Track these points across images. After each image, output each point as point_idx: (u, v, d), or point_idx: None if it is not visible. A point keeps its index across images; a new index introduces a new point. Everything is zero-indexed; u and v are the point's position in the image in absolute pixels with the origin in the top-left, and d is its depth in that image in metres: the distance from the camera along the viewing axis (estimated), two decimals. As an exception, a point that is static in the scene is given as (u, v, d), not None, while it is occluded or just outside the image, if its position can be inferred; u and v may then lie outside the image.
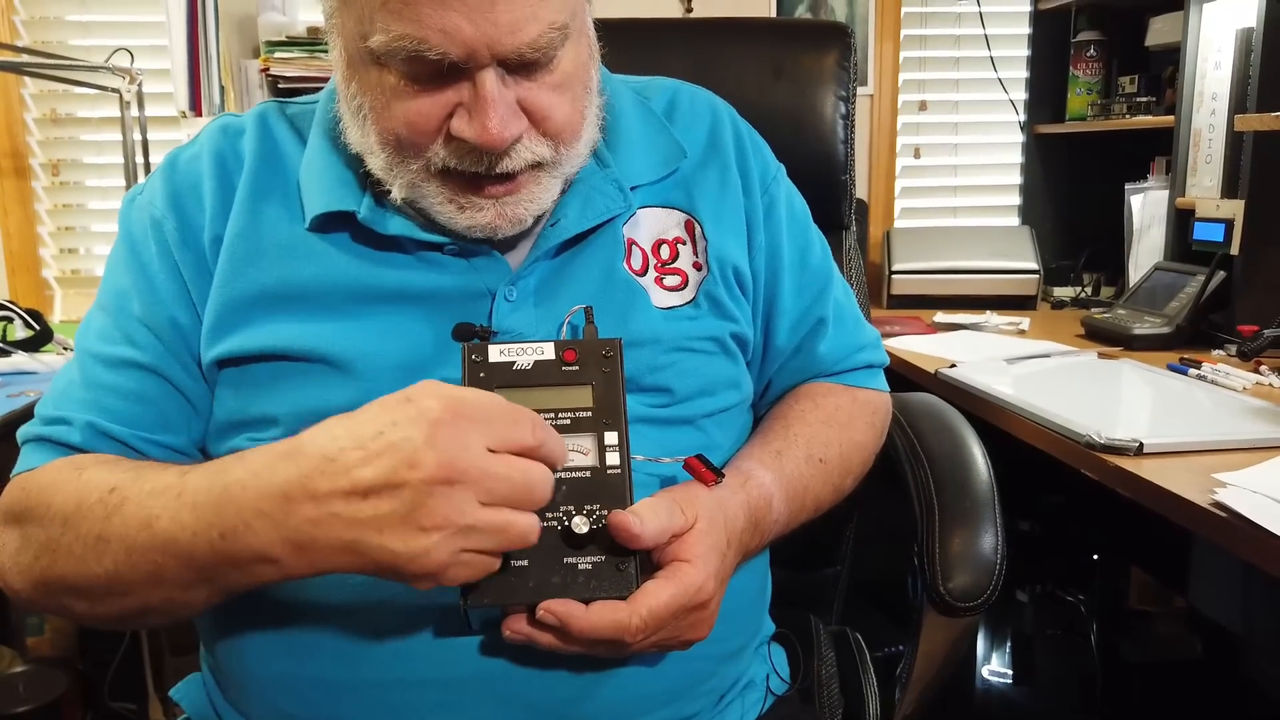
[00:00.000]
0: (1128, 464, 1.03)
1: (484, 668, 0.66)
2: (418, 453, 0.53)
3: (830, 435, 0.81)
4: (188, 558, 0.58)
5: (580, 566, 0.61)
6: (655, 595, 0.60)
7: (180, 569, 0.59)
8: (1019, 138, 2.32)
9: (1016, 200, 2.36)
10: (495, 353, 0.65)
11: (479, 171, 0.67)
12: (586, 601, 0.60)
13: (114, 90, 1.68)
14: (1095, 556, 1.80)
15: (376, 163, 0.69)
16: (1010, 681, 1.77)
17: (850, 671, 0.96)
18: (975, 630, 1.61)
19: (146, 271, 0.73)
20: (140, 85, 1.77)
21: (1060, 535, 1.80)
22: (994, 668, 1.80)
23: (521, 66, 0.64)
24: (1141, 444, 1.05)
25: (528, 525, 0.56)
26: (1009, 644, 1.81)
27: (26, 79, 2.00)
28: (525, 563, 0.61)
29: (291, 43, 1.82)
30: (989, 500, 0.90)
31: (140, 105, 1.81)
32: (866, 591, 1.38)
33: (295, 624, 0.68)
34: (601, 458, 0.63)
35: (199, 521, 0.58)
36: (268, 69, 1.81)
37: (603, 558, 0.61)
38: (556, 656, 0.63)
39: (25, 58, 1.59)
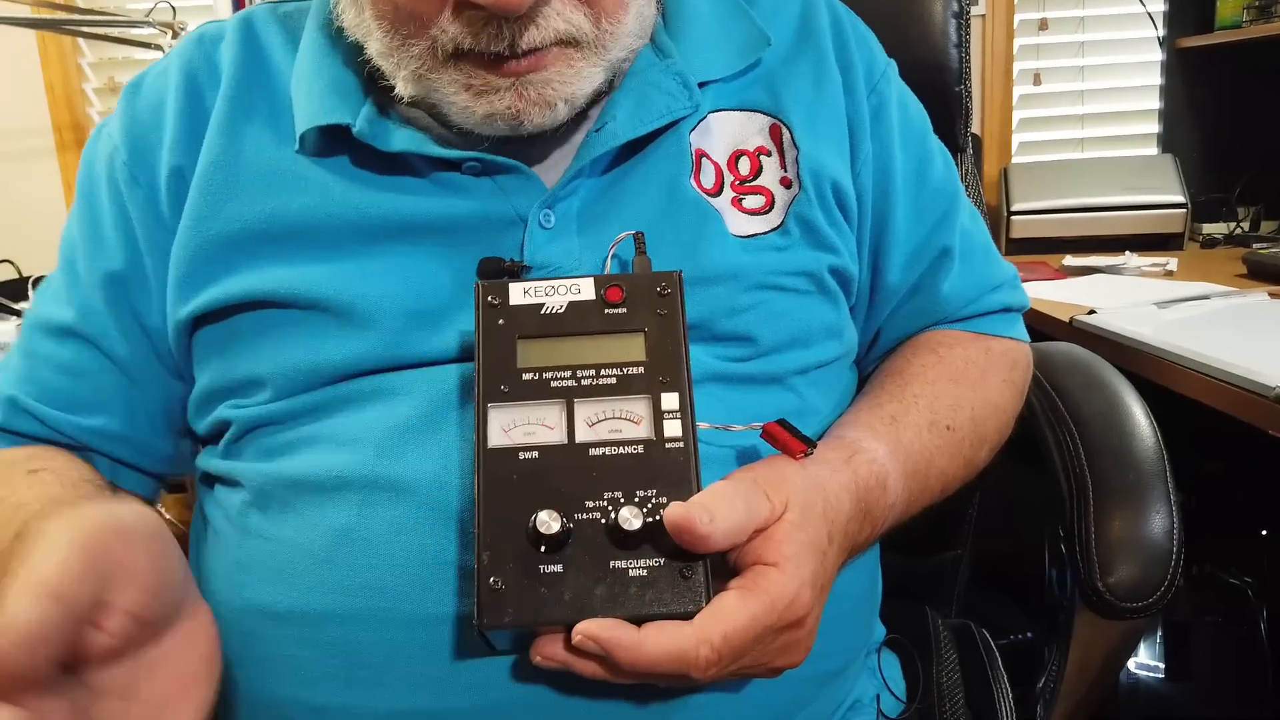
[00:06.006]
0: (1335, 422, 0.85)
1: (518, 695, 0.54)
2: None
3: (959, 396, 0.68)
4: None
5: (631, 573, 0.48)
6: (731, 615, 0.46)
7: None
8: (1158, 55, 2.11)
9: (1155, 127, 2.17)
10: (518, 293, 0.53)
11: (499, 51, 0.54)
12: (639, 621, 0.46)
13: (156, 47, 1.63)
14: (1264, 532, 1.63)
15: (375, 46, 0.58)
16: (1162, 676, 1.63)
17: (978, 678, 0.82)
18: (1140, 634, 1.45)
19: (97, 218, 0.66)
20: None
21: (1221, 508, 1.64)
22: (1143, 660, 1.65)
23: None
24: (1351, 397, 0.87)
25: None
26: (1160, 633, 1.67)
27: (84, 47, 1.99)
28: (559, 568, 0.48)
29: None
30: (1158, 471, 0.77)
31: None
32: (985, 570, 1.25)
33: (292, 640, 0.56)
34: (658, 428, 0.51)
35: None
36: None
37: (661, 561, 0.48)
38: (607, 683, 0.49)
39: (61, 15, 1.54)
